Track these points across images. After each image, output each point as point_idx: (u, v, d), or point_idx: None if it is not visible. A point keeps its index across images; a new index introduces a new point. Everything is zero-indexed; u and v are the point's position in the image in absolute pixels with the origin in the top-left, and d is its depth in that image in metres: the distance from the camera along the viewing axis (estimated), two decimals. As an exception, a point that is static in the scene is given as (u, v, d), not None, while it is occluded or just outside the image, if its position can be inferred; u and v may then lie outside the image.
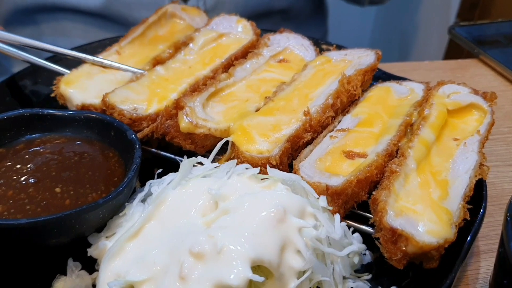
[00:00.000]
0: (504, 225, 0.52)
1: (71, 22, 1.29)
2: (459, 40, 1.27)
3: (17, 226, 0.56)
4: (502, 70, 1.15)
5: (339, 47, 1.00)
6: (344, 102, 0.79)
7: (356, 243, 0.58)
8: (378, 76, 0.92)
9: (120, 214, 0.62)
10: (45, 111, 0.73)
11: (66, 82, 0.81)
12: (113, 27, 1.26)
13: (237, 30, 0.95)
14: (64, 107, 0.82)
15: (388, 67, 1.14)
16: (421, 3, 2.00)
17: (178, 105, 0.75)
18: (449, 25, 1.80)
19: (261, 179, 0.61)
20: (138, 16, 1.19)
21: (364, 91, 0.84)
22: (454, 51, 1.42)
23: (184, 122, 0.72)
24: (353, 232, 0.62)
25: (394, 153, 0.69)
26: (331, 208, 0.60)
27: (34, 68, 0.91)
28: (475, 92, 0.78)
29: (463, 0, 1.72)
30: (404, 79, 0.90)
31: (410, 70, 1.17)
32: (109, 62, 0.84)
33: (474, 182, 0.65)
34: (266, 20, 1.37)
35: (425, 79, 1.12)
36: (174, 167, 0.73)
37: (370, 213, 0.64)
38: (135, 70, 0.84)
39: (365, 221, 0.66)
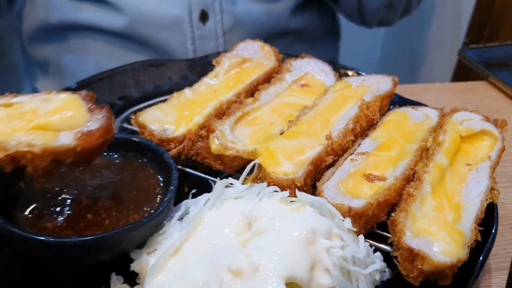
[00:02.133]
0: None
1: (94, 41, 1.33)
2: (469, 62, 1.32)
3: (69, 243, 0.61)
4: (511, 92, 1.20)
5: (358, 73, 1.06)
6: (363, 127, 0.85)
7: (378, 262, 0.63)
8: (394, 100, 0.98)
9: (160, 232, 0.67)
10: (87, 134, 0.78)
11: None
12: (135, 47, 1.32)
13: (260, 55, 1.01)
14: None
15: (401, 89, 1.19)
16: (431, 24, 2.05)
17: (209, 128, 0.80)
18: (459, 45, 1.86)
19: (290, 202, 0.66)
20: (159, 37, 1.25)
21: (381, 115, 0.89)
22: (462, 72, 1.47)
23: (215, 145, 0.78)
24: (374, 251, 0.67)
25: (411, 177, 0.75)
26: (355, 229, 0.65)
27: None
28: (487, 119, 0.83)
29: (472, 21, 1.78)
30: (419, 104, 0.95)
31: (421, 92, 1.23)
32: None
33: (485, 205, 0.70)
34: (281, 40, 1.42)
35: (437, 101, 1.18)
36: (202, 185, 0.80)
37: (388, 232, 0.69)
38: None
39: (383, 239, 0.71)
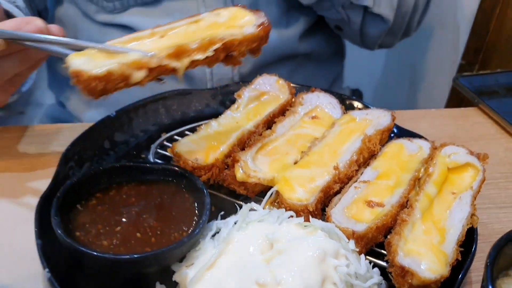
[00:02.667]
0: (485, 268, 0.71)
1: None
2: (462, 89, 1.46)
3: (127, 260, 0.76)
4: (498, 119, 1.34)
5: (362, 103, 1.20)
6: (366, 157, 0.99)
7: (376, 276, 0.77)
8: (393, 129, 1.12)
9: (197, 248, 0.81)
10: (131, 163, 0.93)
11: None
12: None
13: (276, 88, 1.15)
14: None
15: (400, 114, 1.33)
16: (430, 43, 2.19)
17: (234, 159, 0.95)
18: (457, 63, 2.00)
19: (305, 226, 0.81)
20: None
21: (381, 145, 1.03)
22: (457, 95, 1.61)
23: (239, 173, 0.92)
24: (373, 267, 0.81)
25: (405, 204, 0.89)
26: (358, 249, 0.79)
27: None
28: (471, 153, 0.97)
29: (467, 45, 1.92)
30: (414, 134, 1.09)
31: (418, 117, 1.36)
32: (114, 48, 0.85)
33: (466, 229, 0.84)
34: (290, 61, 1.56)
35: (432, 126, 1.32)
36: (227, 205, 0.94)
37: (384, 249, 0.84)
38: (141, 53, 0.84)
39: (381, 256, 0.85)
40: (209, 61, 0.89)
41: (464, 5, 1.97)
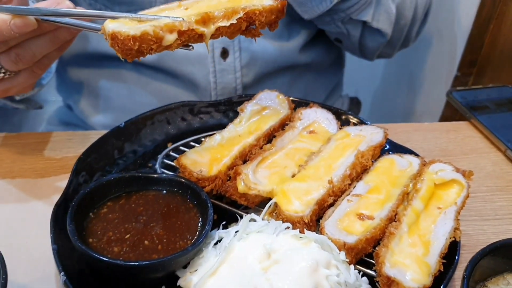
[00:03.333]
0: (461, 280, 0.78)
1: (127, 70, 1.51)
2: (455, 103, 1.52)
3: (136, 266, 0.83)
4: (487, 134, 1.40)
5: (357, 118, 1.27)
6: (358, 172, 1.05)
7: (364, 285, 0.84)
8: (386, 144, 1.19)
9: (200, 256, 0.88)
10: (140, 174, 1.00)
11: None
12: (163, 77, 1.51)
13: (276, 103, 1.22)
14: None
15: (394, 127, 1.40)
16: (428, 52, 2.25)
17: (236, 172, 1.01)
18: (453, 73, 2.06)
19: (300, 237, 0.88)
20: (185, 70, 1.45)
21: (373, 160, 1.10)
22: (451, 108, 1.66)
23: (241, 186, 0.99)
24: (362, 275, 0.88)
25: (393, 217, 0.96)
26: (348, 260, 0.86)
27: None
28: (457, 170, 1.03)
29: (463, 56, 1.98)
30: (405, 149, 1.16)
31: (412, 130, 1.43)
32: (146, 16, 0.90)
33: (449, 242, 0.91)
34: (290, 71, 1.62)
35: (424, 139, 1.39)
36: (228, 214, 1.01)
37: (373, 259, 0.91)
38: (173, 17, 0.90)
39: (370, 265, 0.92)
40: (232, 31, 0.97)
41: (461, 17, 2.03)
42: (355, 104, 2.02)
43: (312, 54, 1.64)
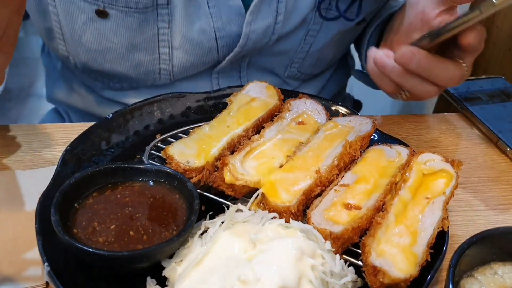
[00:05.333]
0: (447, 269, 0.78)
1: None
2: (448, 95, 1.52)
3: (120, 256, 0.82)
4: (479, 125, 1.40)
5: (347, 108, 1.26)
6: (346, 162, 1.05)
7: (350, 275, 0.84)
8: (374, 135, 1.18)
9: (185, 246, 0.88)
10: (126, 165, 0.99)
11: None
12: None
13: (266, 94, 1.21)
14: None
15: (385, 119, 1.40)
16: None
17: (223, 162, 1.01)
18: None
19: (285, 227, 0.87)
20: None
21: (362, 151, 1.09)
22: (444, 102, 1.66)
23: (228, 176, 0.98)
24: (348, 265, 0.88)
25: (380, 207, 0.95)
26: (333, 249, 0.86)
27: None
28: (446, 160, 1.03)
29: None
30: (394, 140, 1.16)
31: (403, 121, 1.42)
32: None
33: (436, 232, 0.90)
34: (296, 80, 1.60)
35: (415, 130, 1.38)
36: (216, 205, 1.00)
37: (360, 249, 0.90)
38: None
39: (356, 255, 0.92)
40: None
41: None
42: (355, 104, 2.00)
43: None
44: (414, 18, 1.29)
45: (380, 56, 1.18)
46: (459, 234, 1.08)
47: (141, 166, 1.00)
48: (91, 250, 0.82)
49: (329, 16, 1.40)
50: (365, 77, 1.66)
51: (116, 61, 1.37)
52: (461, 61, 1.18)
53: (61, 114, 1.73)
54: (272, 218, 0.90)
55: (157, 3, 1.26)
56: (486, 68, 1.84)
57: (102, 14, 1.26)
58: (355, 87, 2.13)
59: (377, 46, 1.47)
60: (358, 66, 1.87)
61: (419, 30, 1.29)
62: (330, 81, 1.72)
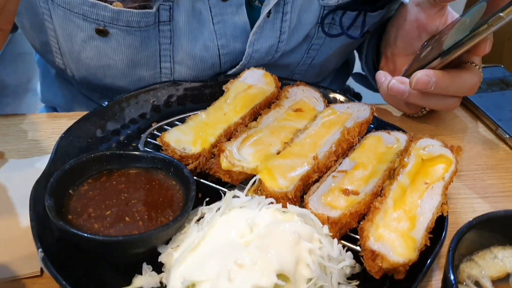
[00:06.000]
0: (447, 253, 0.76)
1: None
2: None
3: (115, 241, 0.81)
4: (478, 113, 1.39)
5: (345, 96, 1.25)
6: (344, 148, 1.04)
7: (348, 259, 0.83)
8: (373, 120, 1.17)
9: (182, 232, 0.87)
10: (121, 152, 0.98)
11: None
12: None
13: (263, 82, 1.20)
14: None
15: (382, 106, 1.38)
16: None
17: (220, 148, 1.00)
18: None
19: (283, 212, 0.86)
20: None
21: (360, 137, 1.08)
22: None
23: (224, 163, 0.97)
24: (346, 250, 0.87)
25: (378, 193, 0.94)
26: (331, 234, 0.85)
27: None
28: (445, 145, 1.02)
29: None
30: (392, 126, 1.15)
31: (401, 110, 1.41)
32: None
33: (436, 217, 0.89)
34: (299, 77, 1.58)
35: (413, 118, 1.37)
36: (213, 192, 0.99)
37: (358, 235, 0.89)
38: None
39: (355, 241, 0.91)
40: None
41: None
42: (354, 96, 1.99)
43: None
44: (409, 27, 1.29)
45: (394, 84, 1.19)
46: (459, 222, 1.07)
47: (137, 153, 0.99)
48: (86, 235, 0.81)
49: (332, 33, 1.38)
50: (365, 81, 1.66)
51: (116, 77, 1.35)
52: (473, 63, 1.19)
53: (58, 111, 1.71)
54: (269, 204, 0.89)
55: (159, 20, 1.23)
56: (485, 57, 1.82)
57: (102, 33, 1.23)
58: (351, 82, 2.11)
59: (378, 47, 1.47)
60: (358, 67, 1.86)
61: (417, 38, 1.29)
62: (331, 85, 1.71)
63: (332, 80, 1.71)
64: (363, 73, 1.63)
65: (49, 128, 1.26)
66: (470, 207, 1.11)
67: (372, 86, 1.62)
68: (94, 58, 1.30)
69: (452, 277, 0.71)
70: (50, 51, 1.37)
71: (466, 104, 1.43)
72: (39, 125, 1.27)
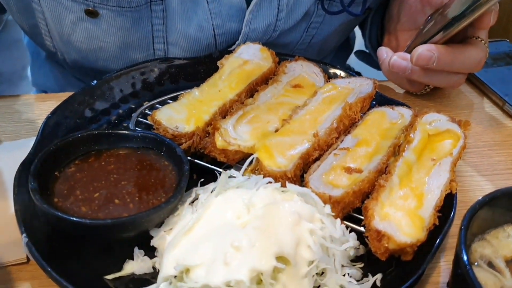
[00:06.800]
0: (459, 231, 0.71)
1: None
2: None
3: (103, 224, 0.76)
4: (484, 88, 1.33)
5: (346, 72, 1.19)
6: (346, 125, 0.98)
7: (351, 240, 0.78)
8: (376, 97, 1.11)
9: (175, 214, 0.82)
10: (110, 131, 0.92)
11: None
12: None
13: (259, 57, 1.14)
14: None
15: (385, 83, 1.33)
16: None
17: (214, 127, 0.94)
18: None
19: (282, 191, 0.81)
20: None
21: (363, 114, 1.03)
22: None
23: (219, 141, 0.92)
24: (350, 232, 0.82)
25: (383, 170, 0.89)
26: (333, 214, 0.80)
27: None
28: (452, 120, 0.97)
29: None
30: (397, 102, 1.09)
31: (405, 87, 1.36)
32: None
33: (444, 195, 0.84)
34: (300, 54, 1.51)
35: (417, 95, 1.32)
36: (208, 173, 0.94)
37: (362, 215, 0.84)
38: None
39: (358, 221, 0.86)
40: None
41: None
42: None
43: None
44: (413, 1, 1.23)
45: (396, 60, 1.13)
46: (467, 200, 1.01)
47: (127, 132, 0.93)
48: (72, 218, 0.76)
49: (332, 10, 1.31)
50: (368, 58, 1.60)
51: (109, 60, 1.29)
52: (479, 38, 1.13)
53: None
54: (267, 183, 0.84)
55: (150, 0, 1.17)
56: (490, 31, 1.76)
57: (92, 14, 1.17)
58: (353, 60, 2.05)
59: (382, 23, 1.41)
60: (359, 44, 1.80)
61: (421, 12, 1.23)
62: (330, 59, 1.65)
63: (332, 59, 1.65)
64: (366, 50, 1.57)
65: (37, 109, 1.21)
66: (477, 185, 1.06)
67: (376, 64, 1.56)
68: (84, 41, 1.24)
69: (465, 258, 0.66)
70: (40, 34, 1.31)
71: (472, 79, 1.37)
72: (27, 107, 1.21)
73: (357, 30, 1.70)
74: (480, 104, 1.31)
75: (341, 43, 1.59)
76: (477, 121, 1.25)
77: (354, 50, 1.77)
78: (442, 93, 1.34)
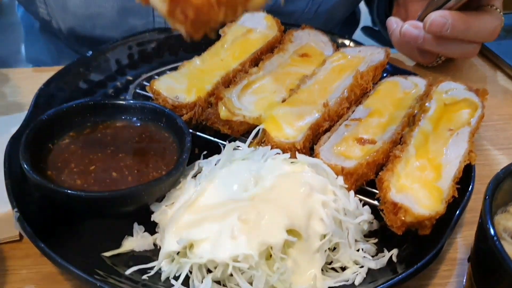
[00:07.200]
0: (483, 201, 0.66)
1: None
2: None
3: (100, 197, 0.71)
4: (497, 61, 1.28)
5: (355, 42, 1.13)
6: (357, 95, 0.93)
7: (365, 214, 0.73)
8: (388, 68, 1.06)
9: (177, 187, 0.77)
10: (107, 101, 0.87)
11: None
12: None
13: (264, 25, 1.08)
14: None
15: (396, 55, 1.27)
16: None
17: (217, 96, 0.89)
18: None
19: (291, 162, 0.76)
20: None
21: (374, 84, 0.97)
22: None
23: (223, 111, 0.87)
24: (363, 205, 0.77)
25: (398, 141, 0.83)
26: (346, 186, 0.75)
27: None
28: (469, 88, 0.91)
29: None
30: (409, 73, 1.04)
31: (415, 60, 1.30)
32: None
33: (463, 166, 0.79)
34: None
35: (429, 68, 1.26)
36: (212, 147, 0.88)
37: (376, 189, 0.79)
38: None
39: (372, 195, 0.81)
40: None
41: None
42: None
43: None
44: None
45: (407, 29, 1.07)
46: (483, 174, 0.96)
47: (124, 102, 0.88)
48: (66, 191, 0.71)
49: None
50: (375, 34, 1.54)
51: (107, 27, 1.23)
52: (493, 6, 1.08)
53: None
54: (275, 154, 0.78)
55: None
56: (503, 3, 1.70)
57: None
58: (359, 37, 1.99)
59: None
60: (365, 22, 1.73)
61: None
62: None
63: (338, 32, 1.59)
64: (375, 28, 1.51)
65: (30, 83, 1.14)
66: (494, 159, 1.02)
67: (384, 40, 1.50)
68: (82, 6, 1.19)
69: (492, 231, 0.61)
70: (33, 1, 1.25)
71: (484, 52, 1.31)
72: (19, 81, 1.16)
73: (363, 7, 1.64)
74: (493, 77, 1.26)
75: (347, 15, 1.52)
76: (491, 94, 1.17)
77: (360, 27, 1.71)
78: (454, 66, 1.28)
